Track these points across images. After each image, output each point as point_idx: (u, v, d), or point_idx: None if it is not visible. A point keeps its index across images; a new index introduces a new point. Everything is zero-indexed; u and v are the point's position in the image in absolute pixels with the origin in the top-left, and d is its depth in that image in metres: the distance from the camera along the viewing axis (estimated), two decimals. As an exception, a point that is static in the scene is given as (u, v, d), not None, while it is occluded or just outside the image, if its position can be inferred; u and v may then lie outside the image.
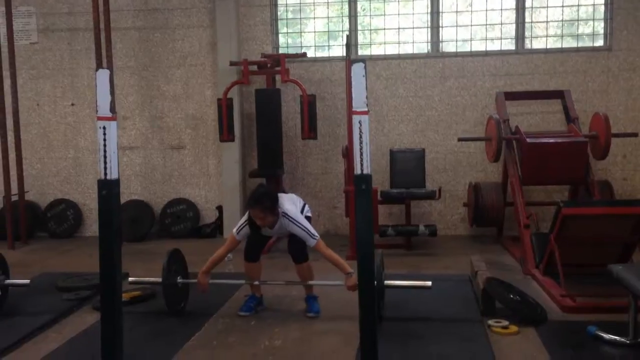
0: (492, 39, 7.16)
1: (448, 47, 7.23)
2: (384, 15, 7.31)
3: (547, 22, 7.10)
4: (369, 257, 2.83)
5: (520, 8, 7.05)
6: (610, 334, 3.66)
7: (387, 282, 4.20)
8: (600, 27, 7.03)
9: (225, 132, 6.71)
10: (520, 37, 7.08)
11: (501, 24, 7.13)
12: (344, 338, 3.85)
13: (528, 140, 5.90)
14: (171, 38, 7.46)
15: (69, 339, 3.96)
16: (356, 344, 3.42)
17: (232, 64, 7.00)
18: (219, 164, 7.45)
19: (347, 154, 6.28)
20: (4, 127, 6.89)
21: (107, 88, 2.82)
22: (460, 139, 6.71)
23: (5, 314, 4.39)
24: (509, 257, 6.01)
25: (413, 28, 7.25)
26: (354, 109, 2.74)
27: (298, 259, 4.33)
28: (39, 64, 7.65)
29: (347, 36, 6.75)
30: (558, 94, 6.70)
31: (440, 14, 7.17)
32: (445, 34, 7.21)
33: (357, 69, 2.72)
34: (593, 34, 7.06)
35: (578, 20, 7.10)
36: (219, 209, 7.43)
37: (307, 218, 4.38)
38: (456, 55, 7.16)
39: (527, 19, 7.08)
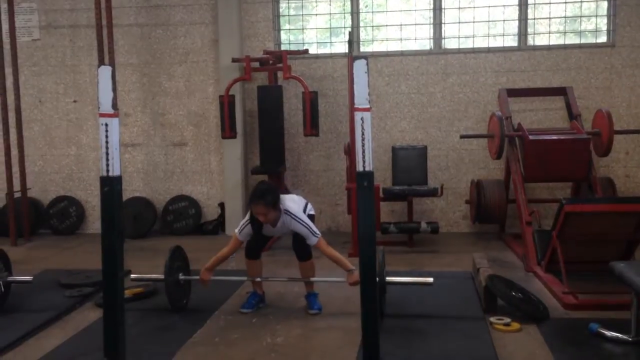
0: (495, 36, 7.14)
1: (450, 44, 7.21)
2: (386, 11, 7.29)
3: (549, 18, 7.07)
4: (371, 253, 2.84)
5: (522, 4, 7.03)
6: (613, 332, 3.65)
7: (388, 278, 4.20)
8: (603, 23, 7.01)
9: (227, 129, 6.71)
10: (522, 33, 7.06)
11: (504, 20, 7.11)
12: (346, 335, 3.85)
13: (530, 137, 5.89)
14: (173, 35, 7.46)
15: (72, 336, 3.97)
16: (358, 340, 3.43)
17: (234, 60, 7.00)
18: (221, 161, 7.45)
19: (349, 151, 6.27)
20: (7, 124, 6.89)
21: (109, 85, 2.82)
22: (462, 136, 6.70)
23: (8, 310, 4.40)
24: (511, 254, 6.01)
25: (415, 25, 7.24)
26: (356, 106, 2.74)
27: (302, 256, 4.34)
28: (41, 61, 7.65)
29: (349, 33, 6.73)
30: (561, 91, 6.69)
31: (443, 10, 7.15)
32: (447, 30, 7.19)
33: (359, 66, 2.72)
34: (596, 31, 7.03)
35: (581, 16, 7.08)
36: (221, 206, 7.44)
37: (310, 217, 4.37)
38: (458, 51, 7.14)
39: (530, 16, 7.06)
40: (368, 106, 2.73)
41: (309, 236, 4.21)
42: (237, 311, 4.36)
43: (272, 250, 5.93)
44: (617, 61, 6.88)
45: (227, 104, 6.66)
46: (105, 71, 2.83)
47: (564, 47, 6.99)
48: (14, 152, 7.02)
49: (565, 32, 7.09)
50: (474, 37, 7.16)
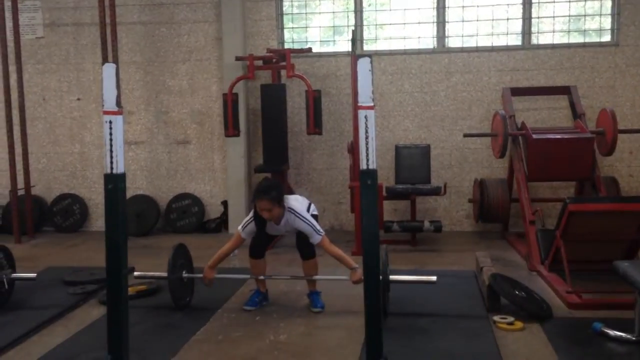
0: (499, 34, 7.13)
1: (454, 43, 7.20)
2: (390, 10, 7.28)
3: (553, 17, 7.06)
4: (375, 251, 2.83)
5: (526, 3, 7.01)
6: (616, 331, 3.65)
7: (392, 277, 4.20)
8: (607, 22, 6.99)
9: (231, 127, 6.71)
10: (526, 32, 7.05)
11: (507, 19, 7.10)
12: (349, 333, 3.85)
13: (534, 136, 5.88)
14: (177, 33, 7.46)
15: (75, 333, 3.98)
16: (361, 338, 3.43)
17: (237, 59, 7.00)
18: (224, 159, 7.46)
19: (353, 149, 6.27)
20: (10, 121, 6.91)
21: (114, 82, 2.82)
22: (465, 135, 6.70)
23: (11, 307, 4.41)
24: (515, 253, 6.00)
25: (419, 23, 7.23)
26: (360, 104, 2.74)
27: (306, 255, 4.33)
28: (45, 59, 7.66)
29: (353, 31, 6.71)
30: (565, 90, 6.68)
31: (446, 9, 7.14)
32: (451, 29, 7.18)
33: (364, 64, 2.72)
34: (600, 30, 7.02)
35: (585, 15, 7.07)
36: (224, 204, 7.44)
37: (314, 217, 4.37)
38: (462, 50, 7.13)
39: (534, 14, 7.04)
40: (372, 104, 2.72)
41: (312, 234, 4.21)
42: (241, 309, 4.37)
43: (275, 249, 5.93)
44: (621, 60, 6.86)
45: (230, 102, 6.66)
46: (109, 68, 2.83)
47: (568, 46, 6.98)
48: (18, 149, 7.03)
49: (569, 31, 7.07)
50: (477, 35, 7.15)
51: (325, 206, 7.29)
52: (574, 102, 6.47)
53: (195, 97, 7.51)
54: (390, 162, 6.97)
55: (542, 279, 4.94)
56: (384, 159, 7.03)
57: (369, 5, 7.36)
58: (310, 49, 7.05)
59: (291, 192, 5.32)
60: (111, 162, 2.84)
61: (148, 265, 5.11)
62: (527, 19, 7.03)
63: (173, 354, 3.60)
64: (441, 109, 7.17)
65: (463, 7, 7.14)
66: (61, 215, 7.60)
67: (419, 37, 7.25)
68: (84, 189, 7.74)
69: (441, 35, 7.18)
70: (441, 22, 7.16)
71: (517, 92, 6.75)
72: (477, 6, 7.13)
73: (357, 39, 6.93)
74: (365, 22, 7.36)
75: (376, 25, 7.38)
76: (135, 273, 4.63)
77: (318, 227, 4.24)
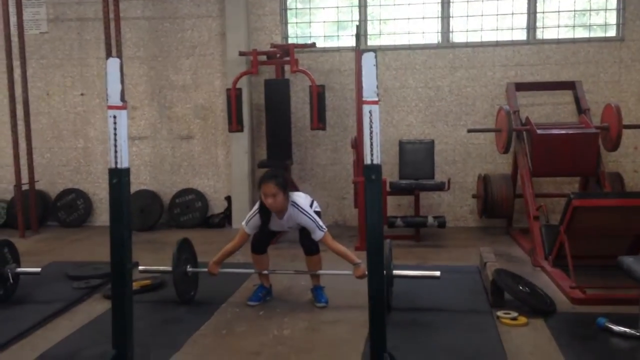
0: (503, 29, 7.10)
1: (458, 38, 7.18)
2: (394, 5, 7.26)
3: (558, 12, 7.02)
4: (379, 246, 2.83)
5: (531, -2, 6.99)
6: (620, 326, 3.64)
7: (395, 271, 4.20)
8: (612, 17, 6.96)
9: (234, 123, 6.71)
10: (531, 27, 7.02)
11: (512, 14, 7.07)
12: (353, 328, 3.85)
13: (538, 131, 5.86)
14: (180, 28, 7.46)
15: (80, 327, 3.99)
16: (365, 333, 3.43)
17: (241, 54, 6.99)
18: (228, 154, 7.46)
19: (356, 144, 6.26)
20: (14, 116, 6.92)
21: (118, 77, 2.82)
22: (469, 130, 6.67)
23: (16, 302, 4.43)
24: (518, 248, 5.99)
25: (423, 18, 7.20)
26: (364, 99, 2.73)
27: (310, 251, 4.34)
28: (49, 54, 7.67)
29: (357, 26, 6.71)
30: (569, 85, 6.66)
31: (451, 3, 7.11)
32: (455, 24, 7.16)
33: (368, 59, 2.71)
34: (605, 24, 6.98)
35: (590, 10, 7.03)
36: (228, 199, 7.45)
37: (317, 213, 4.36)
38: (466, 45, 7.11)
39: (539, 9, 7.01)
40: (376, 99, 2.71)
41: (314, 230, 4.21)
42: (244, 304, 4.37)
43: (279, 244, 5.94)
44: (627, 55, 6.83)
45: (234, 98, 6.66)
46: (113, 63, 2.83)
47: (573, 41, 6.95)
48: (22, 144, 7.05)
49: (574, 26, 7.04)
50: (482, 30, 7.13)
51: (328, 201, 7.29)
52: (579, 97, 6.45)
53: (199, 92, 7.50)
54: (394, 157, 6.96)
55: (546, 274, 4.93)
56: (387, 155, 7.02)
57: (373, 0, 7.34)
58: (314, 44, 7.04)
59: (295, 189, 5.32)
60: (115, 157, 2.84)
61: (152, 260, 5.13)
62: (532, 13, 7.01)
63: (177, 348, 3.61)
64: (445, 104, 7.15)
65: (467, 1, 7.11)
66: (65, 210, 7.62)
67: (423, 32, 7.23)
68: (88, 184, 7.75)
69: (445, 30, 7.16)
70: (446, 17, 7.14)
71: (521, 87, 6.73)
72: (482, 1, 7.10)
73: (361, 34, 6.92)
74: (369, 17, 7.34)
75: (380, 20, 7.36)
76: (140, 267, 4.64)
77: (321, 223, 4.24)
